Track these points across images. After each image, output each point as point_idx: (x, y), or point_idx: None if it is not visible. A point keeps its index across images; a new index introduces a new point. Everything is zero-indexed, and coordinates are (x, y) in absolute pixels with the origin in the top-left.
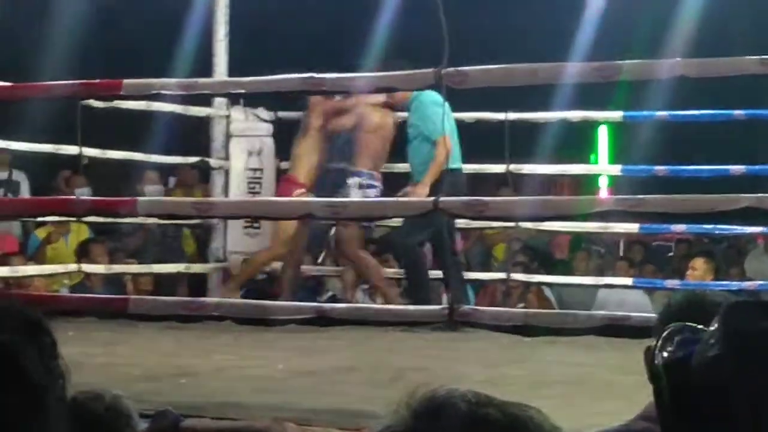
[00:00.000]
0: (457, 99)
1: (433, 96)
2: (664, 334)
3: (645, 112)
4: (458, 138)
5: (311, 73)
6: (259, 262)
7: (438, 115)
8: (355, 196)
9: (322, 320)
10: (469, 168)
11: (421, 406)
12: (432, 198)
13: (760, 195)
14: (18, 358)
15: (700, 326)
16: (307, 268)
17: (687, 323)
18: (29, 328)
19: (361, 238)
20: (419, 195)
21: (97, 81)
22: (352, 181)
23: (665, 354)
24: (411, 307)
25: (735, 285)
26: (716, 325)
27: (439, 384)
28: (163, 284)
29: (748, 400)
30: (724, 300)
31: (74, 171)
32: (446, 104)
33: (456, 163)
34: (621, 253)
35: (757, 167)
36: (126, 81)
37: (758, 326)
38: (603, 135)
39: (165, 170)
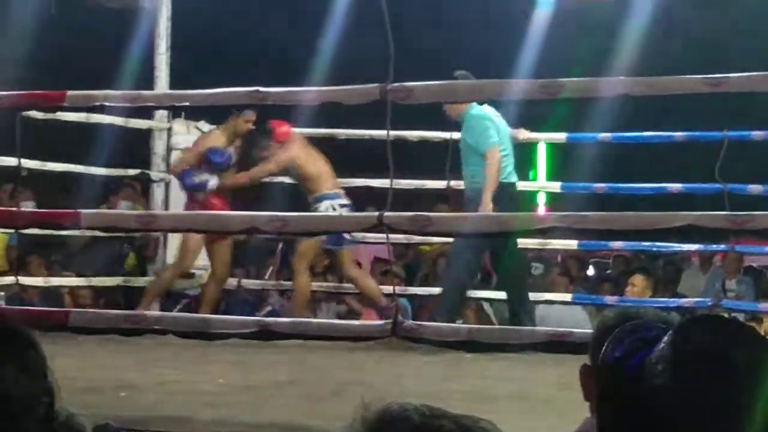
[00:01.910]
0: (402, 117)
1: (480, 110)
2: (616, 333)
3: (588, 134)
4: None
5: (256, 87)
6: (167, 278)
7: (485, 128)
8: None
9: (264, 335)
10: (410, 184)
11: (375, 419)
12: (377, 213)
13: (699, 213)
14: (6, 380)
15: (651, 331)
16: (249, 282)
17: (641, 325)
18: (14, 342)
19: (316, 255)
20: (486, 208)
21: (40, 92)
22: (323, 205)
23: (614, 356)
24: (354, 322)
25: (672, 302)
26: (667, 339)
27: (381, 398)
28: (101, 298)
29: (691, 419)
30: (656, 317)
31: (15, 184)
32: (501, 120)
33: (511, 177)
34: (559, 270)
35: (693, 185)
36: (69, 92)
37: (707, 345)
38: (542, 152)
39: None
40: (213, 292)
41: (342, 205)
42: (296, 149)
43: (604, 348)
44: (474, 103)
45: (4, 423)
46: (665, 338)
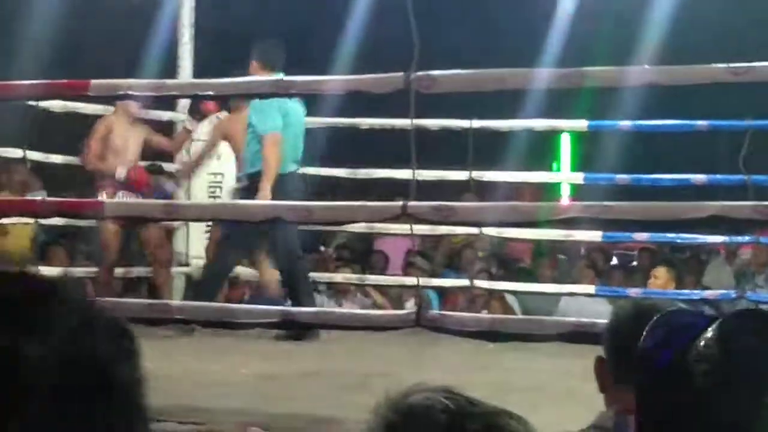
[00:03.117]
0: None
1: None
2: (651, 324)
3: (609, 122)
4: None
5: (281, 76)
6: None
7: (269, 110)
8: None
9: (288, 324)
10: (432, 175)
11: (397, 417)
12: (399, 203)
13: (724, 203)
14: (114, 370)
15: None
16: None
17: (679, 309)
18: (119, 336)
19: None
20: (263, 197)
21: (64, 81)
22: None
23: (651, 344)
24: (377, 312)
25: (696, 294)
26: (713, 330)
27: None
28: (124, 288)
29: (732, 415)
30: (673, 308)
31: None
32: (295, 106)
33: (287, 167)
34: (584, 261)
35: (718, 177)
36: (94, 81)
37: (754, 341)
38: (566, 143)
39: None
40: (103, 278)
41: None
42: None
43: (642, 339)
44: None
45: (121, 419)
46: (708, 334)
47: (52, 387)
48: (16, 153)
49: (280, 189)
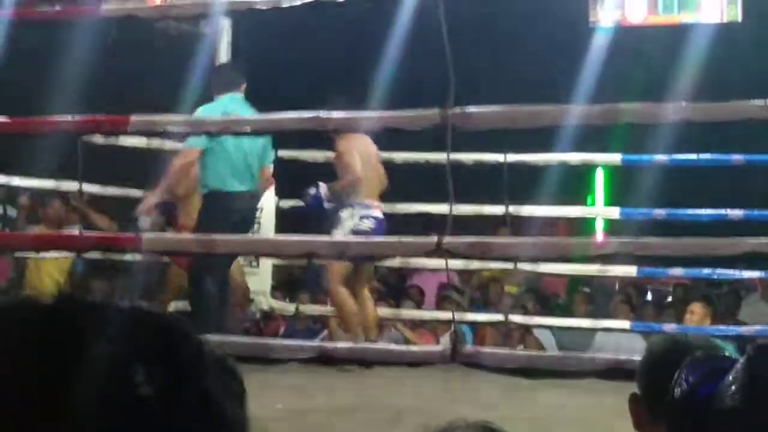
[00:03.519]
0: (458, 138)
1: (210, 105)
2: (684, 366)
3: (644, 156)
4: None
5: (317, 112)
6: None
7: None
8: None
9: (324, 359)
10: (467, 209)
11: None
12: (435, 239)
13: (761, 240)
14: (223, 409)
15: (723, 361)
16: (307, 307)
17: (711, 355)
18: (225, 373)
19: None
20: (146, 204)
21: (104, 117)
22: (347, 212)
23: (682, 389)
24: (413, 347)
25: (732, 330)
26: (740, 368)
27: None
28: None
29: None
30: (705, 344)
31: (67, 207)
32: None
33: (228, 185)
34: (619, 297)
35: (755, 212)
36: (133, 117)
37: None
38: (600, 177)
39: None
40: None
41: (366, 217)
42: (354, 141)
43: (675, 378)
44: (220, 97)
45: None
46: (737, 365)
47: (165, 424)
48: (49, 184)
49: (221, 207)
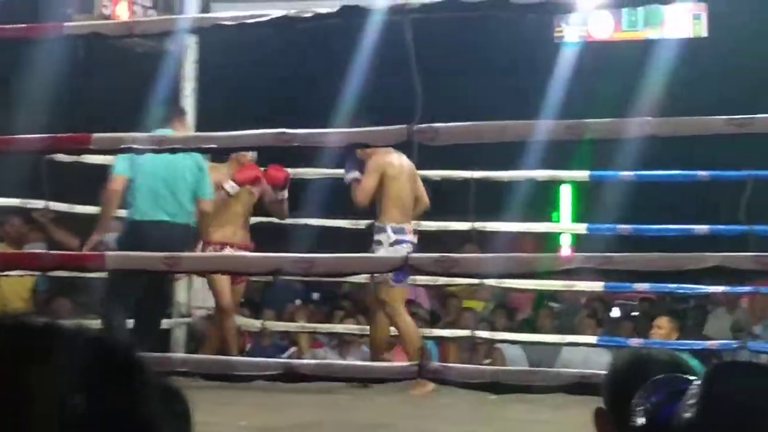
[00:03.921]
0: (426, 156)
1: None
2: (642, 390)
3: (611, 172)
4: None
5: (282, 129)
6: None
7: (120, 156)
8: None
9: (289, 377)
10: (435, 225)
11: None
12: (403, 255)
13: (725, 254)
14: (162, 429)
15: (682, 382)
16: (273, 324)
17: (670, 376)
18: (168, 394)
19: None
20: (91, 242)
21: (66, 135)
22: (382, 236)
23: (641, 412)
24: (379, 364)
25: (698, 344)
26: (698, 387)
27: None
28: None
29: None
30: (669, 359)
31: (30, 225)
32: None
33: (148, 215)
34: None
35: (720, 227)
36: (95, 135)
37: (741, 392)
38: (566, 193)
39: None
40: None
41: (400, 242)
42: (384, 159)
43: (636, 399)
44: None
45: None
46: (693, 387)
47: None
48: (12, 202)
49: (132, 235)
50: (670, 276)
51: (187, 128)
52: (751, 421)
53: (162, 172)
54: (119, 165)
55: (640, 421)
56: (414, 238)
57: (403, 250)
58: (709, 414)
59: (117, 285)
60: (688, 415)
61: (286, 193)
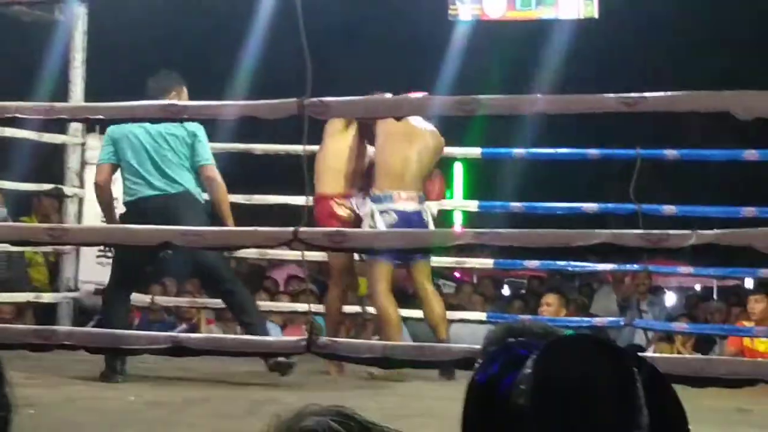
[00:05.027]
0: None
1: (114, 129)
2: (488, 356)
3: (503, 150)
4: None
5: (171, 101)
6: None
7: (105, 141)
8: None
9: (177, 351)
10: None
11: None
12: (291, 229)
13: (613, 231)
14: None
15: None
16: (163, 299)
17: (512, 345)
18: None
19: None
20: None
21: None
22: (368, 207)
23: (485, 376)
24: (269, 338)
25: (586, 321)
26: (532, 362)
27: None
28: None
29: None
30: (543, 331)
31: None
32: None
33: (138, 194)
34: (472, 289)
35: (610, 205)
36: None
37: (567, 375)
38: (458, 170)
39: (22, 197)
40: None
41: (386, 212)
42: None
43: (475, 367)
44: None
45: None
46: (529, 361)
47: None
48: None
49: (135, 216)
50: (559, 253)
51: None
52: (577, 402)
53: (147, 148)
54: (102, 154)
55: (480, 394)
56: (408, 206)
57: (381, 223)
58: (538, 399)
59: (118, 271)
60: (521, 401)
61: None
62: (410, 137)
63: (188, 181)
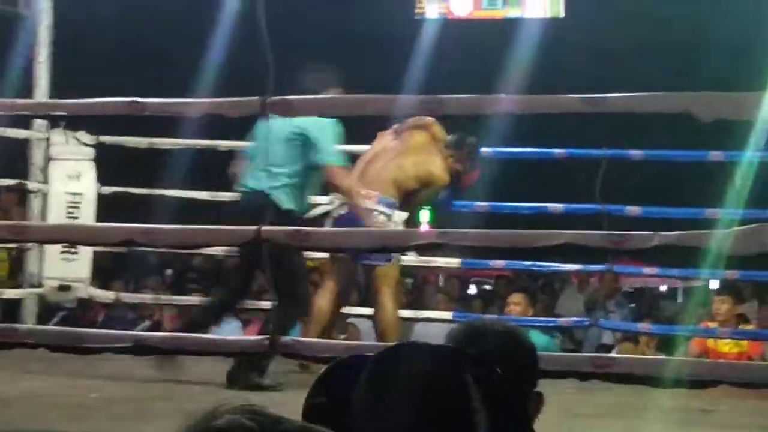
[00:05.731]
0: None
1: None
2: (332, 368)
3: None
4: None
5: (134, 98)
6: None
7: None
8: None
9: (140, 349)
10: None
11: None
12: (254, 228)
13: (576, 232)
14: None
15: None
16: (127, 296)
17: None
18: None
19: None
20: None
21: None
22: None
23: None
24: (231, 338)
25: (552, 321)
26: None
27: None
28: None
29: None
30: (503, 329)
31: None
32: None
33: (243, 184)
34: (435, 288)
35: (574, 206)
36: None
37: (397, 371)
38: None
39: None
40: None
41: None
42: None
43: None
44: None
45: None
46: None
47: None
48: None
49: (236, 206)
50: (523, 253)
51: None
52: (401, 396)
53: (261, 142)
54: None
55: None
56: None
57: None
58: (365, 391)
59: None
60: (358, 391)
61: None
62: (386, 150)
63: (279, 179)
